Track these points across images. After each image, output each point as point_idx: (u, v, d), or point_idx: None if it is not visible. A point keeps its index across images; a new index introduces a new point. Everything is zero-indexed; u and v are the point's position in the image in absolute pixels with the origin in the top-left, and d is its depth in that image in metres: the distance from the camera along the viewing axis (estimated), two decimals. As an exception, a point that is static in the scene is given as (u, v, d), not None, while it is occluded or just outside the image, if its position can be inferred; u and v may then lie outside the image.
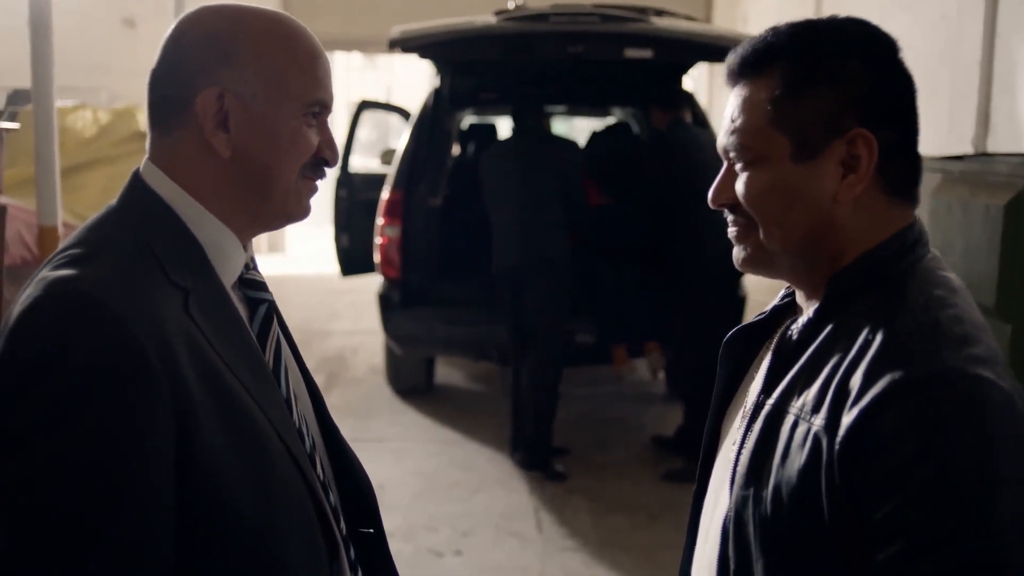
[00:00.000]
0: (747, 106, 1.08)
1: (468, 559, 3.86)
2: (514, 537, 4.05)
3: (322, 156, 1.16)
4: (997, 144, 5.23)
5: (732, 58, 1.10)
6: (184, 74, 1.10)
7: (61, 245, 1.06)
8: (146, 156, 1.14)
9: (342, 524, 1.21)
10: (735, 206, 1.11)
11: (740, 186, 1.09)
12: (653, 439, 5.17)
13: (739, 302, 5.20)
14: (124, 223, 1.08)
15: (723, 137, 1.11)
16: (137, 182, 1.12)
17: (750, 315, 5.10)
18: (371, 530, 1.30)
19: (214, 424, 1.01)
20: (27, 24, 3.52)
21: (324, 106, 1.16)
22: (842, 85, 1.04)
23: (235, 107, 1.09)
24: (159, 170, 1.12)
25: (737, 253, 1.13)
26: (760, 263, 1.11)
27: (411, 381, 6.01)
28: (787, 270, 1.11)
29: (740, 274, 4.99)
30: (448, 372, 6.62)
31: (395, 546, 1.35)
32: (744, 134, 1.07)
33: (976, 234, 2.85)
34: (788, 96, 1.05)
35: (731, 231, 1.13)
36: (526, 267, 4.76)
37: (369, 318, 7.38)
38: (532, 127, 4.99)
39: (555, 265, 4.78)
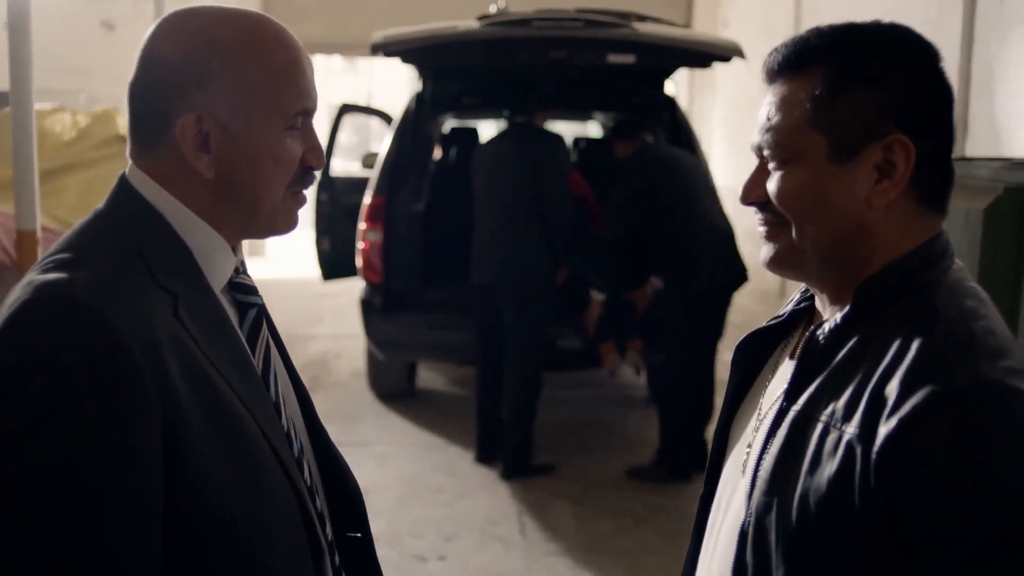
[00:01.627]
0: (785, 104, 1.07)
1: (452, 564, 3.85)
2: (498, 542, 4.05)
3: (307, 164, 1.15)
4: (976, 148, 5.28)
5: (772, 56, 1.10)
6: (161, 96, 1.09)
7: (50, 249, 1.06)
8: (131, 162, 1.13)
9: (327, 530, 1.21)
10: (765, 204, 1.10)
11: (773, 185, 1.08)
12: (628, 472, 4.85)
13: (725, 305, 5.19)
14: (112, 227, 1.08)
15: (757, 135, 1.10)
16: (124, 186, 1.11)
17: (731, 318, 5.02)
18: (358, 535, 1.29)
19: (202, 429, 1.00)
20: (5, 26, 3.48)
21: (307, 113, 1.14)
22: (883, 90, 1.03)
23: (215, 128, 1.08)
24: (146, 175, 1.11)
25: (765, 252, 1.12)
26: (787, 263, 1.11)
27: (393, 386, 6.00)
28: (813, 272, 1.11)
29: (733, 290, 4.92)
30: (430, 377, 6.61)
31: (379, 551, 1.35)
32: (781, 132, 1.07)
33: (956, 238, 2.84)
34: (829, 96, 1.04)
35: (760, 229, 1.13)
36: (503, 286, 4.73)
37: (351, 322, 7.36)
38: (520, 124, 4.96)
39: (532, 286, 4.74)
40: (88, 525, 0.93)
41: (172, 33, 1.10)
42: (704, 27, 11.82)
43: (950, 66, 5.45)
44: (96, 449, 0.93)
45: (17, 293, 0.98)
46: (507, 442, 4.80)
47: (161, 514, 0.97)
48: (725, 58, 4.85)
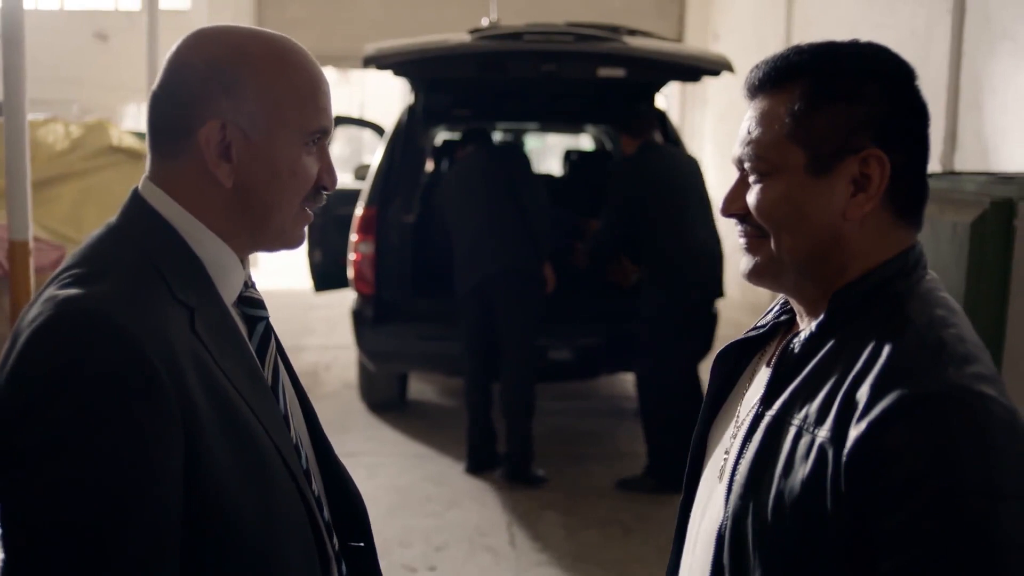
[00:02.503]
0: (766, 119, 1.10)
1: (442, 574, 3.85)
2: (488, 552, 4.05)
3: (321, 183, 1.17)
4: (964, 162, 5.31)
5: (753, 73, 1.13)
6: (186, 102, 1.10)
7: (65, 263, 1.07)
8: (145, 175, 1.15)
9: (334, 540, 1.23)
10: (745, 216, 1.13)
11: (752, 197, 1.11)
12: (618, 483, 4.85)
13: (711, 319, 5.22)
14: (127, 241, 1.09)
15: (738, 148, 1.13)
16: (137, 200, 1.13)
17: (721, 331, 5.07)
18: (362, 544, 1.31)
19: (219, 441, 1.02)
20: (-1, 37, 3.49)
21: (325, 133, 1.17)
22: (859, 105, 1.07)
23: (237, 137, 1.10)
24: (159, 189, 1.12)
25: (745, 263, 1.15)
26: (767, 274, 1.13)
27: (384, 396, 6.01)
28: (791, 284, 1.13)
29: (716, 296, 4.96)
30: (421, 387, 6.61)
31: (369, 561, 1.36)
32: (761, 145, 1.10)
33: (943, 251, 2.89)
34: (807, 111, 1.07)
35: (741, 241, 1.15)
36: (497, 278, 4.79)
37: (342, 333, 7.37)
38: (477, 146, 5.08)
39: (525, 275, 4.83)
40: (113, 534, 0.95)
41: (201, 44, 1.12)
42: (695, 41, 11.89)
43: (938, 80, 5.51)
44: (121, 460, 0.95)
45: (38, 308, 1.00)
46: (510, 441, 4.83)
47: (180, 525, 0.99)
48: (714, 72, 4.89)
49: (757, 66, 1.13)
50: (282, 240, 1.18)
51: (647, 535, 4.20)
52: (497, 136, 6.62)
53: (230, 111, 1.10)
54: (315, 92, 1.15)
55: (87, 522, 0.94)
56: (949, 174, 3.73)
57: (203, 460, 1.00)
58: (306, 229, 1.21)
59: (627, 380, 6.58)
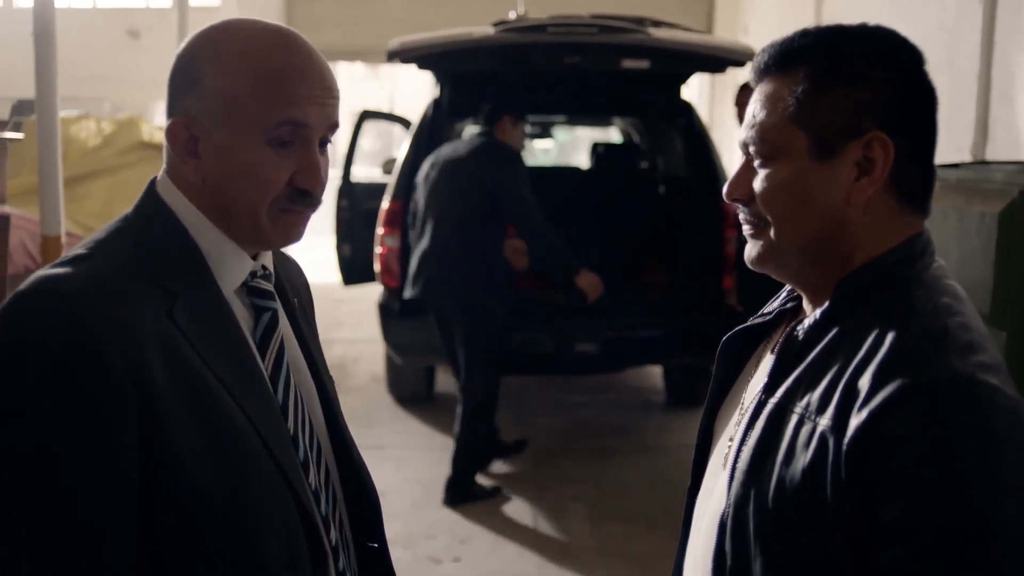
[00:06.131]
0: (770, 101, 1.10)
1: (466, 566, 3.87)
2: (512, 544, 4.07)
3: (295, 185, 1.12)
4: (996, 152, 5.25)
5: (760, 56, 1.13)
6: (170, 96, 1.14)
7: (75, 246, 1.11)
8: (163, 166, 1.18)
9: (332, 533, 1.21)
10: (749, 202, 1.13)
11: (757, 183, 1.11)
12: None
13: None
14: (128, 228, 1.13)
15: (743, 132, 1.13)
16: (150, 191, 1.17)
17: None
18: (375, 544, 1.31)
19: (185, 424, 1.04)
20: (31, 35, 3.54)
21: (297, 124, 1.09)
22: (864, 88, 1.06)
23: (202, 134, 1.11)
24: (169, 180, 1.16)
25: (749, 250, 1.15)
26: (770, 261, 1.13)
27: (411, 389, 6.04)
28: (795, 271, 1.13)
29: None
30: (449, 380, 6.62)
31: (394, 553, 1.36)
32: (765, 128, 1.10)
33: (971, 242, 2.86)
34: (811, 93, 1.07)
35: (745, 228, 1.15)
36: (428, 302, 4.57)
37: (370, 327, 7.40)
38: (478, 136, 4.81)
39: (456, 304, 4.53)
40: (57, 504, 0.98)
41: (194, 40, 1.14)
42: (725, 33, 11.82)
43: (969, 71, 5.44)
44: (62, 431, 0.98)
45: (23, 283, 1.04)
46: (452, 466, 4.56)
47: (134, 500, 1.01)
48: (739, 62, 4.86)
49: (764, 49, 1.13)
50: (260, 240, 1.16)
51: (672, 529, 4.15)
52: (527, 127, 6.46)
53: (195, 107, 1.10)
54: (282, 81, 1.08)
55: (33, 489, 0.98)
56: (977, 164, 3.69)
57: (163, 438, 1.02)
58: (302, 227, 1.17)
59: (654, 373, 6.58)
